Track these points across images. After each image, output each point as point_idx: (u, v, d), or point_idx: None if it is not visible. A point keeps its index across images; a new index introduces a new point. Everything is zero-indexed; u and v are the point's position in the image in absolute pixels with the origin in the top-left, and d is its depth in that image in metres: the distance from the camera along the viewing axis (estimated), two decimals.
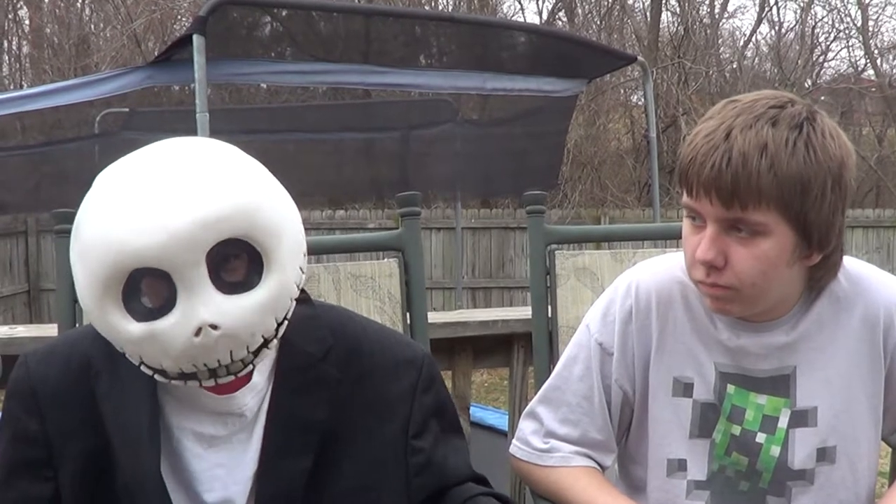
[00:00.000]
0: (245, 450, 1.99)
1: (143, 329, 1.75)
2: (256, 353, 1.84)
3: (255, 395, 1.99)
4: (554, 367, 2.52)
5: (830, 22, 22.28)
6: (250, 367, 1.86)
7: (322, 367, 2.03)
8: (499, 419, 6.96)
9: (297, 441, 1.98)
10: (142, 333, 1.75)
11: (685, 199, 2.08)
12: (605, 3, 20.12)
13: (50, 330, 3.85)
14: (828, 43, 21.74)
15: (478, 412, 6.34)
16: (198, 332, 1.73)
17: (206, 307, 1.73)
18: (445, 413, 2.18)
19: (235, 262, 1.79)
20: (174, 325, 1.73)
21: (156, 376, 1.84)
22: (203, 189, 1.74)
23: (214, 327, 1.73)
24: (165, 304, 1.75)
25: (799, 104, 2.05)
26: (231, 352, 1.78)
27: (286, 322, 1.89)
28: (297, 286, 1.90)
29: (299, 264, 1.90)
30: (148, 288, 1.76)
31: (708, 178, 1.98)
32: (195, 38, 6.10)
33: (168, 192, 1.72)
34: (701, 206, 2.03)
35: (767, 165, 1.94)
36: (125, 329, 1.76)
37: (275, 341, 1.88)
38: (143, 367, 1.83)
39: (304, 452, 1.98)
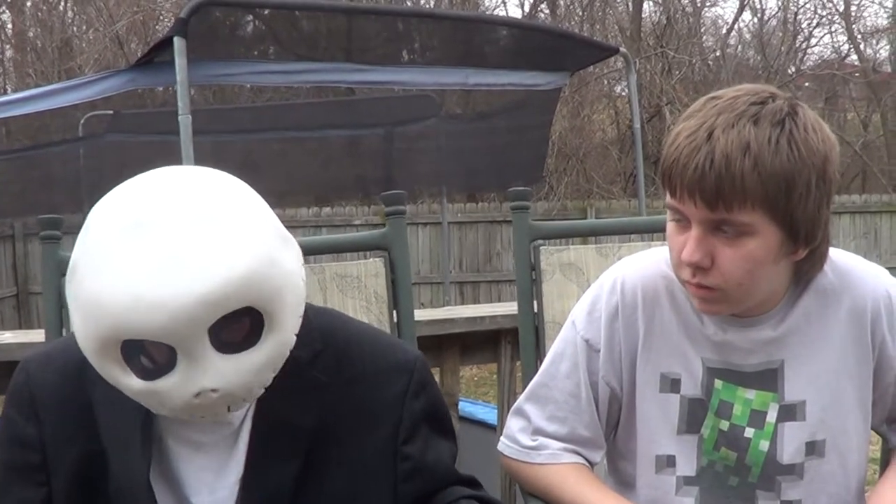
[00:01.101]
0: (231, 454, 1.99)
1: (143, 385, 1.76)
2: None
3: None
4: (541, 363, 2.52)
5: (813, 8, 22.25)
6: (247, 404, 1.89)
7: (310, 372, 2.02)
8: (488, 413, 6.94)
9: (283, 446, 1.98)
10: (141, 388, 1.76)
11: (669, 199, 2.07)
12: None
13: (37, 336, 3.84)
14: (811, 29, 21.77)
15: (467, 407, 6.33)
16: (197, 394, 1.74)
17: (205, 373, 1.74)
18: (437, 417, 2.17)
19: (237, 324, 1.78)
20: (174, 387, 1.74)
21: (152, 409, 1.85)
22: (205, 262, 1.69)
23: (214, 391, 1.74)
24: (166, 365, 1.75)
25: (780, 98, 2.03)
26: (229, 407, 1.81)
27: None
28: (296, 335, 1.89)
29: (299, 314, 1.90)
30: (148, 347, 1.76)
31: (691, 181, 1.97)
32: (176, 40, 6.10)
33: (168, 265, 1.67)
34: (685, 208, 2.02)
35: (751, 165, 1.93)
36: (125, 382, 1.77)
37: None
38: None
39: (291, 457, 1.98)
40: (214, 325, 1.71)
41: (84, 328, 1.74)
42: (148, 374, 1.76)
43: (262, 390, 1.86)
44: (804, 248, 2.09)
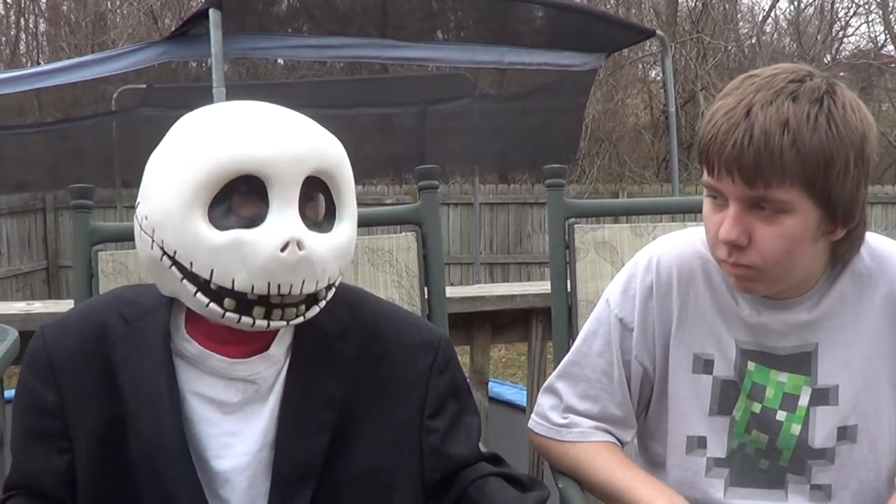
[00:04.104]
0: (257, 420, 1.98)
1: (229, 237, 1.80)
2: (314, 303, 1.92)
3: (270, 365, 1.99)
4: (573, 342, 2.51)
5: None
6: (300, 318, 1.90)
7: (339, 346, 2.04)
8: (516, 394, 6.98)
9: (313, 418, 1.98)
10: (227, 241, 1.80)
11: (706, 177, 2.05)
12: None
13: (67, 306, 3.85)
14: (847, 18, 21.71)
15: (495, 387, 6.36)
16: (285, 247, 1.79)
17: (294, 227, 1.81)
18: (460, 395, 2.18)
19: (314, 202, 1.90)
20: (264, 236, 1.79)
21: (210, 305, 1.85)
22: (309, 124, 1.91)
23: (300, 247, 1.79)
24: (254, 219, 1.82)
25: (818, 77, 2.02)
26: (304, 281, 1.83)
27: (333, 288, 1.97)
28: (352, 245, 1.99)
29: (355, 228, 2.00)
30: (237, 204, 1.83)
31: (730, 157, 1.95)
32: (211, 12, 6.10)
33: (282, 118, 1.89)
34: (723, 185, 2.00)
35: (790, 142, 1.91)
36: (208, 237, 1.81)
37: (323, 302, 1.94)
38: (199, 296, 1.85)
39: (321, 430, 1.98)
40: (301, 195, 1.85)
41: (181, 178, 1.82)
42: (237, 223, 1.82)
43: (326, 293, 1.93)
44: (842, 227, 2.07)
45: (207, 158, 1.80)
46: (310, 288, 1.85)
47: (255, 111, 1.89)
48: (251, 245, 1.79)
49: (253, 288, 1.81)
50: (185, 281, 1.85)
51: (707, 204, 2.11)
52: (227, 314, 1.84)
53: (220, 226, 1.81)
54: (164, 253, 1.86)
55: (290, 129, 1.85)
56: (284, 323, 1.87)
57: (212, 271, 1.81)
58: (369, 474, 2.02)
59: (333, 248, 1.88)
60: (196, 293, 1.85)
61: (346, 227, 1.93)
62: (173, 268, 1.86)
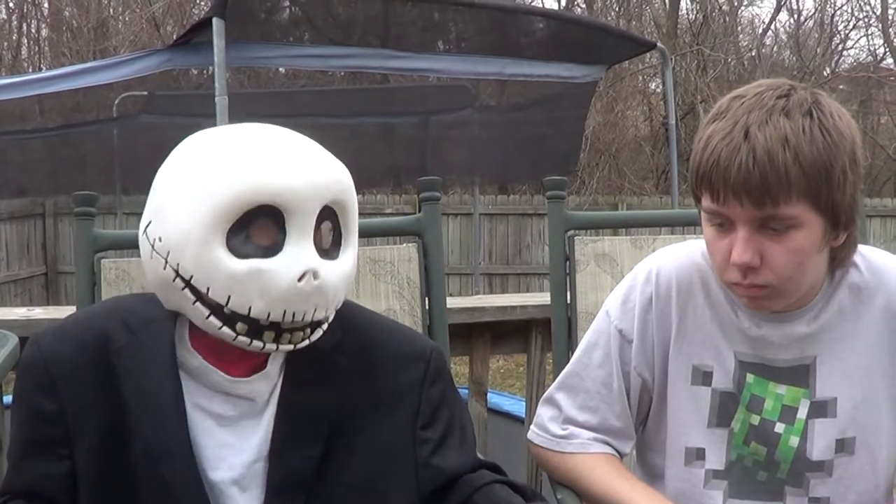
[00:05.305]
0: (252, 434, 2.00)
1: (249, 266, 1.82)
2: (319, 325, 1.95)
3: (266, 382, 2.00)
4: (572, 354, 2.51)
5: (850, 10, 22.20)
6: (306, 342, 1.92)
7: (332, 359, 2.05)
8: (515, 405, 6.96)
9: (306, 430, 2.00)
10: (246, 270, 1.82)
11: (709, 204, 2.05)
12: None
13: (68, 312, 3.85)
14: (847, 31, 21.73)
15: (494, 398, 6.33)
16: (302, 276, 1.82)
17: (310, 257, 1.84)
18: (452, 405, 2.19)
19: (321, 229, 1.90)
20: (283, 266, 1.82)
21: (223, 329, 1.87)
22: (323, 152, 1.94)
23: (316, 276, 1.83)
24: (271, 248, 1.84)
25: (800, 90, 2.05)
26: (315, 309, 1.86)
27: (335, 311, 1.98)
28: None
29: (356, 252, 2.03)
30: (255, 232, 1.85)
31: (736, 181, 1.96)
32: (215, 21, 6.11)
33: (300, 147, 1.91)
34: (729, 210, 2.01)
35: (792, 157, 1.93)
36: (227, 264, 1.83)
37: (325, 325, 1.96)
38: (211, 319, 1.87)
39: (314, 441, 1.99)
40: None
41: (200, 205, 1.83)
42: (256, 253, 1.83)
43: (332, 313, 1.95)
44: (843, 232, 2.09)
45: (230, 187, 1.81)
46: (320, 315, 1.88)
47: (273, 138, 1.92)
48: (270, 274, 1.81)
49: (268, 315, 1.83)
50: (197, 304, 1.87)
51: (710, 231, 2.12)
52: (239, 337, 1.86)
53: (240, 253, 1.83)
54: (179, 276, 1.87)
55: (309, 160, 1.88)
56: (292, 346, 1.90)
57: (228, 298, 1.84)
58: (364, 483, 2.03)
59: (342, 275, 1.92)
60: (209, 316, 1.87)
61: (350, 253, 1.97)
62: (186, 290, 1.87)
